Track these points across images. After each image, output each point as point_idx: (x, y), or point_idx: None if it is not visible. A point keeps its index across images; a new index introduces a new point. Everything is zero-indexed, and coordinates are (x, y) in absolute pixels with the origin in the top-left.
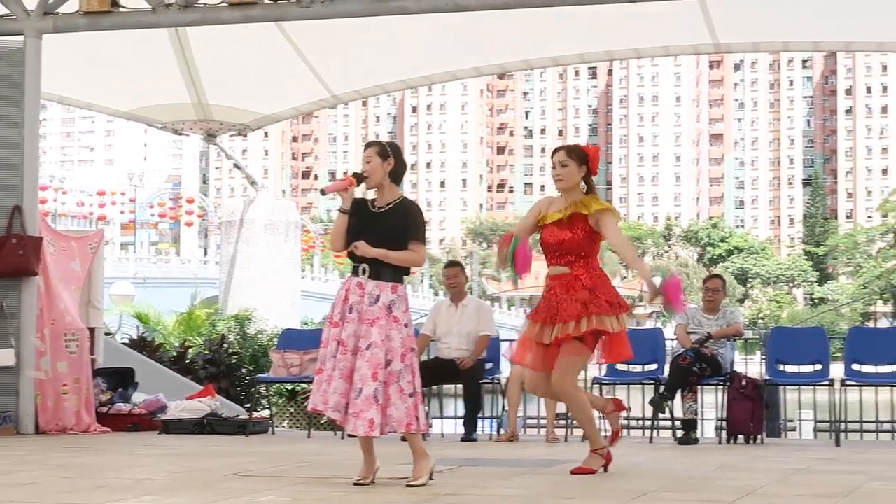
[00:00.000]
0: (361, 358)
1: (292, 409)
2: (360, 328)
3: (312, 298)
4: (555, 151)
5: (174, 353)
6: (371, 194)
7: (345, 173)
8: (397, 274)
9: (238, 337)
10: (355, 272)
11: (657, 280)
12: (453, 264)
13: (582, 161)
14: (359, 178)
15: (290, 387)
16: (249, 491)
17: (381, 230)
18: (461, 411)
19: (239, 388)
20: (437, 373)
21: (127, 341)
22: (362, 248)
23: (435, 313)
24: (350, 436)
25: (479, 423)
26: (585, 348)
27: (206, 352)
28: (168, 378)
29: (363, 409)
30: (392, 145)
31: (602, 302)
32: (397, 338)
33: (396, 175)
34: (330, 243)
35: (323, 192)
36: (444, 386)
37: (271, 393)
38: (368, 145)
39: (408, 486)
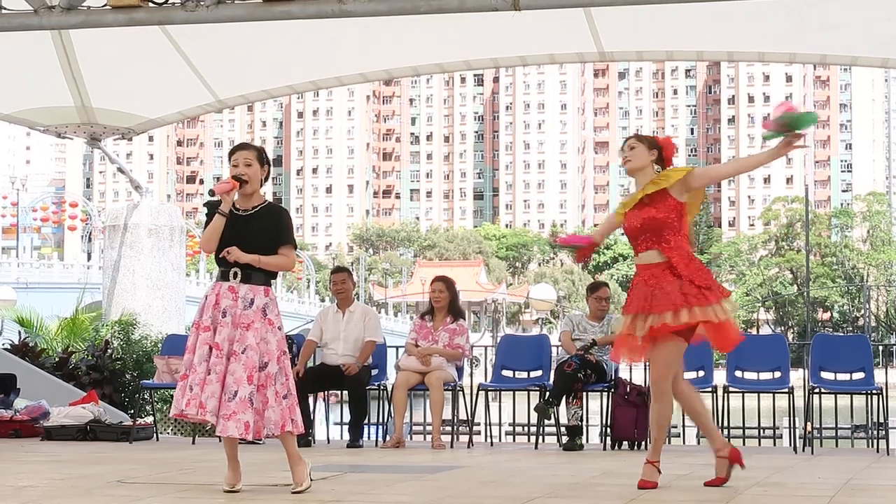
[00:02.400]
0: (236, 361)
1: None
2: (235, 332)
3: (197, 304)
4: (626, 140)
5: (57, 359)
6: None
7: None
8: (268, 277)
9: (122, 342)
10: (225, 276)
11: (773, 141)
12: (340, 270)
13: (652, 145)
14: (240, 181)
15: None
16: (132, 498)
17: (251, 234)
18: (347, 417)
19: (123, 394)
20: (322, 379)
21: (8, 347)
22: (235, 253)
23: (321, 319)
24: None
25: (365, 429)
26: (681, 340)
27: (90, 357)
28: (51, 384)
29: (237, 412)
30: (265, 151)
31: (699, 291)
32: (273, 340)
33: (265, 181)
34: (202, 244)
35: (212, 193)
36: (330, 392)
37: (155, 399)
38: (244, 147)
39: (294, 492)
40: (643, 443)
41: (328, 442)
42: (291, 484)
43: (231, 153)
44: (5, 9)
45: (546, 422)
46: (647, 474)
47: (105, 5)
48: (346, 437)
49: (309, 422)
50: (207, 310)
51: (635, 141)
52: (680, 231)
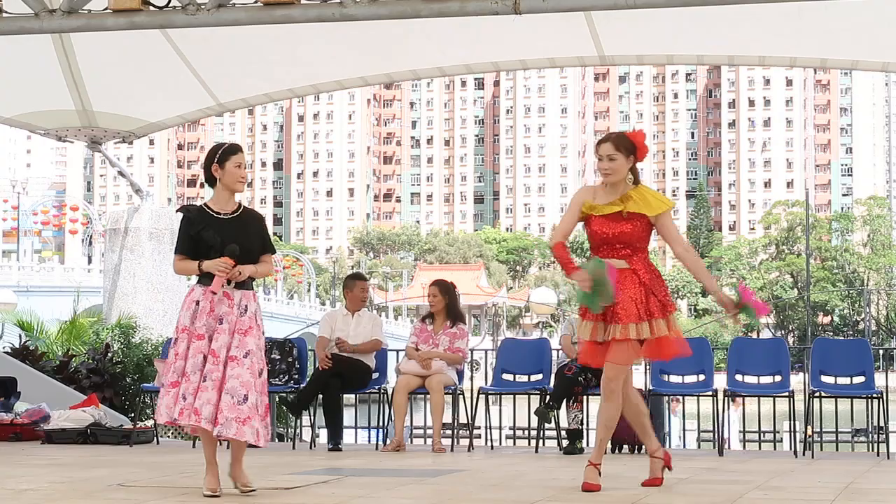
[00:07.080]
0: (240, 366)
1: None
2: (232, 338)
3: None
4: (601, 142)
5: (57, 362)
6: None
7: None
8: (252, 283)
9: (122, 346)
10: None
11: (733, 295)
12: (362, 277)
13: (629, 151)
14: (233, 254)
15: None
16: (133, 501)
17: (241, 241)
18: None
19: (123, 398)
20: (322, 380)
21: (9, 350)
22: (247, 270)
23: (331, 319)
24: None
25: (366, 432)
26: (636, 343)
27: (90, 361)
28: (51, 387)
29: (251, 416)
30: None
31: (657, 304)
32: (262, 348)
33: None
34: (177, 272)
35: (213, 293)
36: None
37: (156, 402)
38: (239, 149)
39: (247, 492)
40: (644, 447)
41: (311, 448)
42: (250, 487)
43: (231, 153)
44: (6, 12)
45: (546, 425)
46: (590, 477)
47: (106, 9)
48: (361, 440)
49: (340, 427)
50: (201, 317)
51: (614, 150)
52: (645, 244)
